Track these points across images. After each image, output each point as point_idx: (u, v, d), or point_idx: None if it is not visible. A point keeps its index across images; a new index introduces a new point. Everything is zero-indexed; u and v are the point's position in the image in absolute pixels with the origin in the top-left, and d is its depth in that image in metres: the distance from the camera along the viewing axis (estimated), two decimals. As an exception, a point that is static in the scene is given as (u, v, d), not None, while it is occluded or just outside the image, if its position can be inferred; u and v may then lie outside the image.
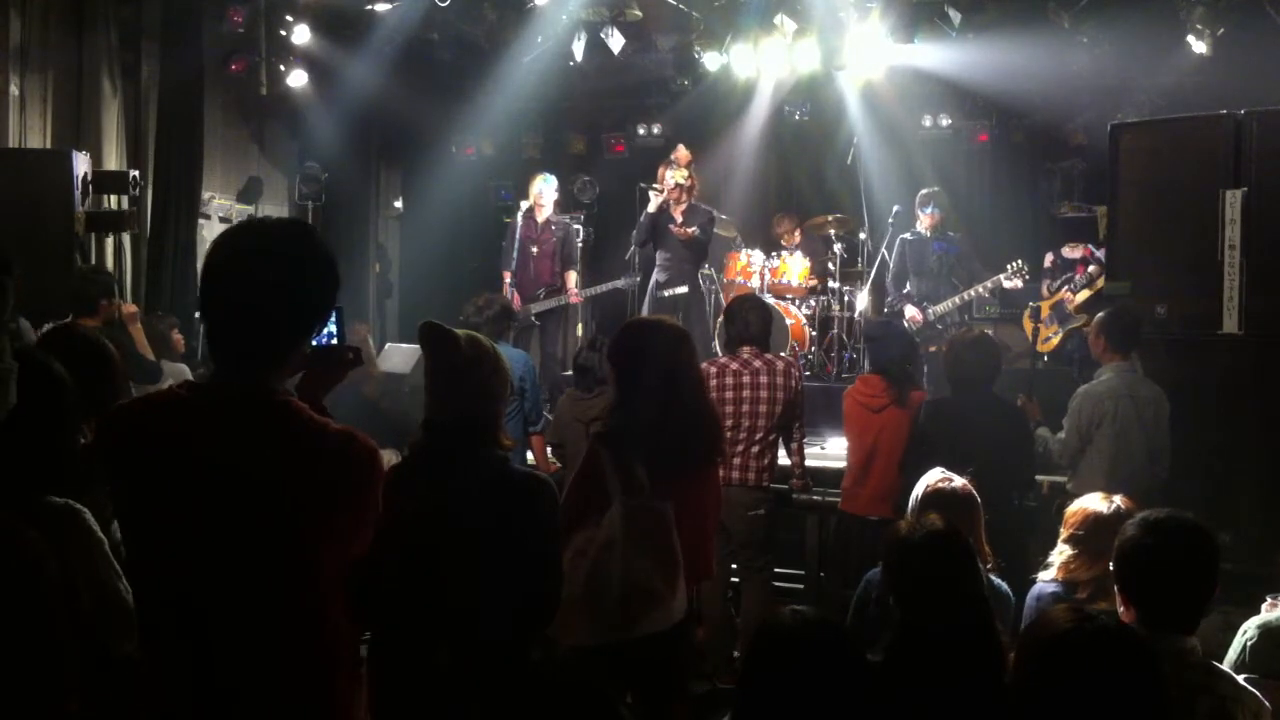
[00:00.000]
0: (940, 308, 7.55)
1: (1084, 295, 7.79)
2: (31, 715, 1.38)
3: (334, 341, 2.15)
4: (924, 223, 7.68)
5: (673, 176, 7.39)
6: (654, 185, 7.50)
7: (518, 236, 7.60)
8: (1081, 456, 4.71)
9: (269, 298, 1.87)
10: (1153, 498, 4.18)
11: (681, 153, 7.61)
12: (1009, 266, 7.43)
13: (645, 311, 7.48)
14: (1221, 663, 2.89)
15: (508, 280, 7.56)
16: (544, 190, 7.69)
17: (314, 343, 2.05)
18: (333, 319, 2.09)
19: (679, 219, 7.47)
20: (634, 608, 3.06)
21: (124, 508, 1.94)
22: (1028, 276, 7.50)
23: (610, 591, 3.06)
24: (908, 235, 7.78)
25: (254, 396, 1.87)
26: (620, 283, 8.09)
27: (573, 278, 7.82)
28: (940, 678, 2.30)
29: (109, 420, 1.94)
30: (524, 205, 7.84)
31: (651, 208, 7.43)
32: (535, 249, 7.68)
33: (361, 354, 2.19)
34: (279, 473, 1.83)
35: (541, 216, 7.71)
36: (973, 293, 7.56)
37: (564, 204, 9.95)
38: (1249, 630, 2.97)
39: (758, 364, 4.79)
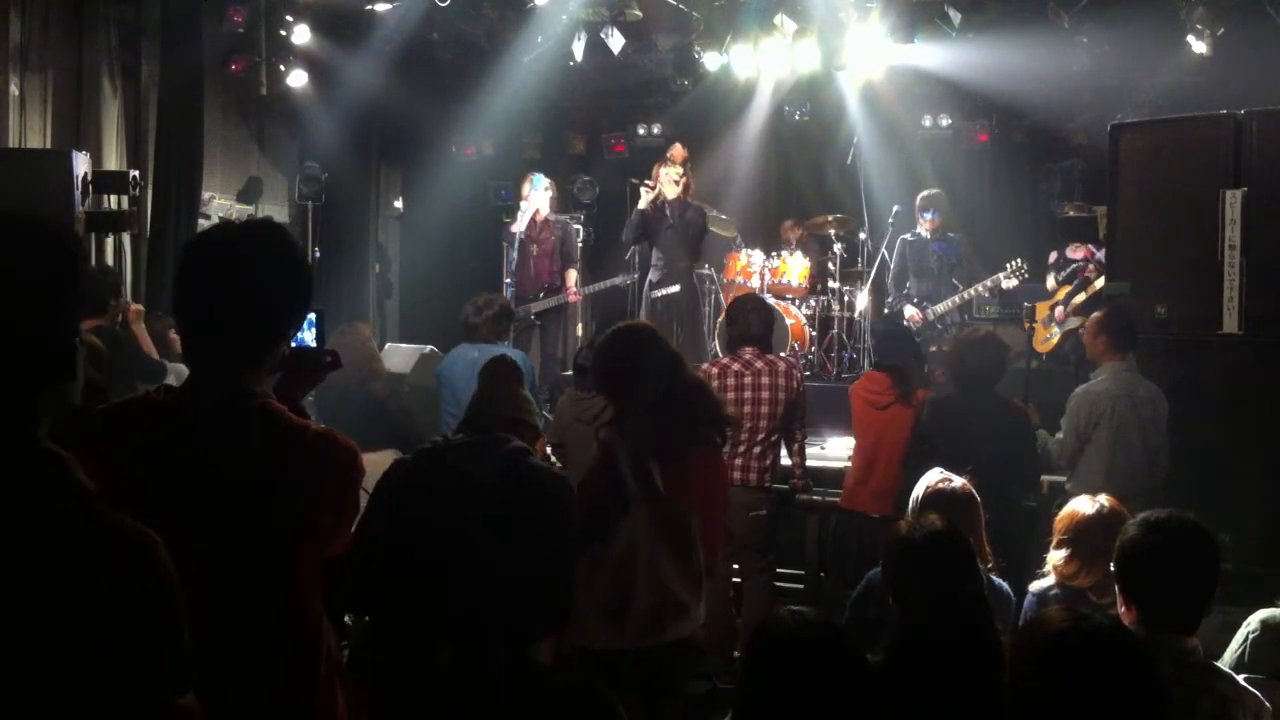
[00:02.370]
0: (940, 307, 7.56)
1: (1081, 298, 7.79)
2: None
3: (313, 344, 2.16)
4: (925, 226, 7.69)
5: (666, 175, 7.38)
6: (645, 181, 7.48)
7: (519, 237, 7.62)
8: (1080, 456, 4.72)
9: (242, 299, 1.87)
10: (1152, 497, 4.19)
11: (676, 150, 7.66)
12: (1008, 266, 7.44)
13: (643, 312, 7.50)
14: (1222, 660, 2.90)
15: (507, 281, 7.57)
16: (533, 192, 7.68)
17: (293, 344, 2.05)
18: (311, 321, 2.09)
19: (671, 219, 7.45)
20: (665, 616, 3.04)
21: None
22: (1026, 275, 7.51)
23: (639, 599, 3.02)
24: (908, 235, 7.79)
25: (231, 399, 1.87)
26: (618, 280, 8.09)
27: (573, 276, 7.82)
28: (940, 678, 2.30)
29: (84, 426, 1.92)
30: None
31: (642, 204, 7.41)
32: (535, 248, 7.68)
33: (340, 357, 2.19)
34: (259, 474, 1.84)
35: (540, 216, 7.69)
36: (972, 292, 7.57)
37: (564, 204, 9.97)
38: (1252, 623, 2.97)
39: (759, 364, 4.79)
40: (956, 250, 7.74)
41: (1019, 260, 7.44)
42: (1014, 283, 7.49)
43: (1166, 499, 4.25)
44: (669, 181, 7.35)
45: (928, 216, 7.64)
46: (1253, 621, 2.98)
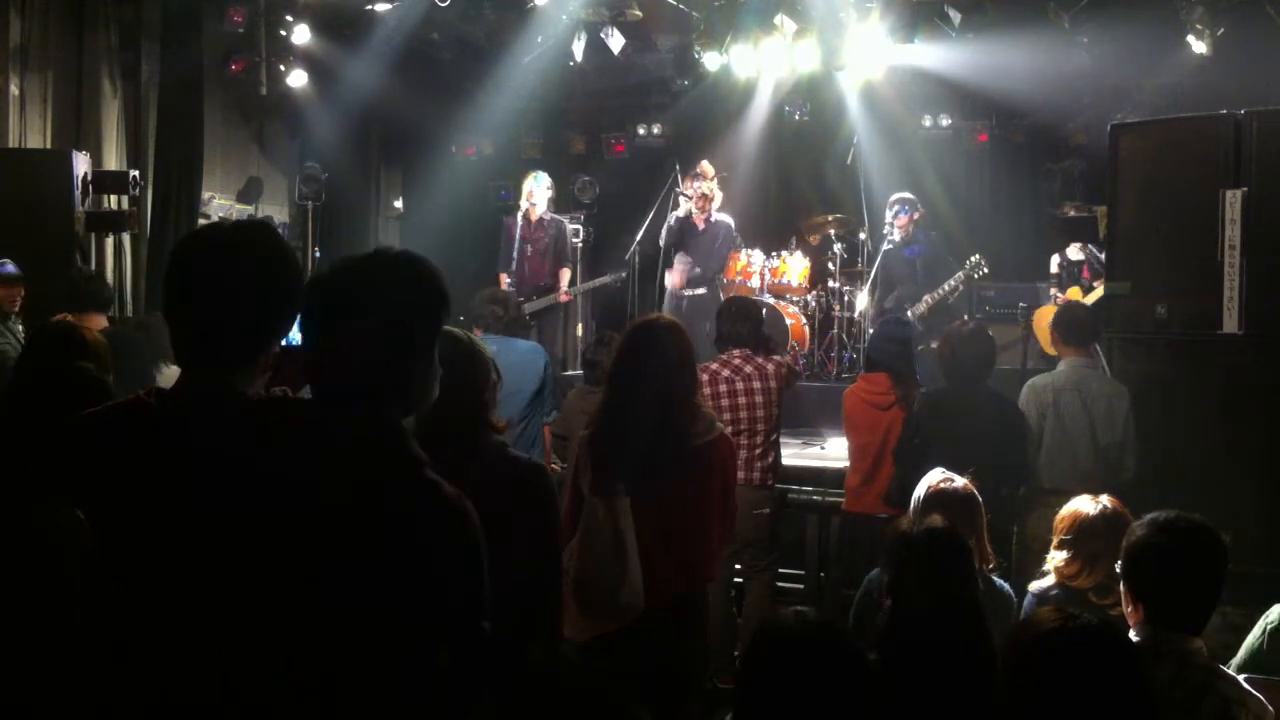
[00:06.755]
0: (920, 307, 7.51)
1: (1091, 298, 7.77)
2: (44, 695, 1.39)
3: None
4: (897, 225, 7.69)
5: (699, 187, 7.75)
6: (685, 191, 7.82)
7: (516, 236, 7.66)
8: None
9: (233, 299, 1.85)
10: (1125, 495, 4.16)
11: (706, 167, 7.92)
12: (968, 262, 7.43)
13: (665, 308, 7.58)
14: (1239, 652, 2.89)
15: (506, 281, 7.58)
16: (535, 189, 7.74)
17: (284, 344, 2.05)
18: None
19: (701, 226, 7.79)
20: (586, 598, 3.05)
21: (91, 516, 1.92)
22: (985, 271, 7.50)
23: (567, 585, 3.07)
24: (886, 245, 7.79)
25: (222, 399, 1.86)
26: (608, 278, 8.18)
27: (566, 275, 7.95)
28: (932, 676, 2.30)
29: (75, 429, 1.90)
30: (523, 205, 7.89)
31: (681, 212, 7.74)
32: (530, 248, 7.72)
33: None
34: (251, 476, 1.83)
35: (535, 215, 7.74)
36: (941, 292, 7.49)
37: (564, 204, 9.96)
38: (1271, 615, 2.95)
39: (748, 369, 4.82)
40: (925, 250, 7.72)
41: (978, 256, 7.47)
42: (969, 278, 7.47)
43: (1165, 500, 4.24)
44: (701, 193, 7.74)
45: (897, 211, 7.70)
46: (1272, 614, 2.95)
